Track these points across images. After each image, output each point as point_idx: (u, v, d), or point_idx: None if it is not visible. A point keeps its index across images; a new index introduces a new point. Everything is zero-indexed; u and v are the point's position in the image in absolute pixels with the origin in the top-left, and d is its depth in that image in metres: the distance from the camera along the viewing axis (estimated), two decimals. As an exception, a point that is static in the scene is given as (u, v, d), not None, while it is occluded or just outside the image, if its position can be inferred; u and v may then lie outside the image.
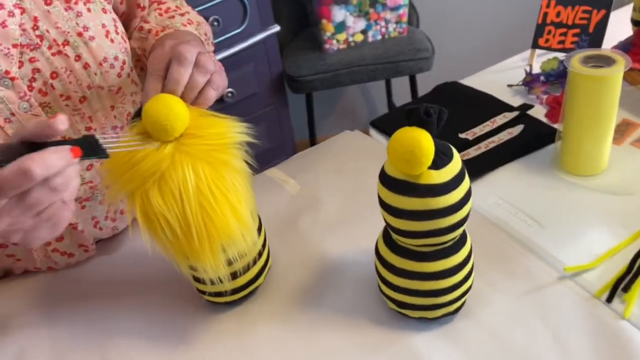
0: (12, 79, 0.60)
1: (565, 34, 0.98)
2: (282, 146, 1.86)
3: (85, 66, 0.65)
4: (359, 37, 1.84)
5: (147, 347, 0.64)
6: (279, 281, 0.70)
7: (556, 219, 0.72)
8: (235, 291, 0.65)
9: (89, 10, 0.66)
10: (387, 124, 0.93)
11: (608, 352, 0.57)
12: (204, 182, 0.55)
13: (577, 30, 0.97)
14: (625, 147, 0.81)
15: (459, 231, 0.56)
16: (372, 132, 0.94)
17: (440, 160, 0.53)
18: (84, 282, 0.73)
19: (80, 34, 0.65)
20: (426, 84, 1.84)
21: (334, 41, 1.81)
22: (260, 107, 1.75)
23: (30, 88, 0.62)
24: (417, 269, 0.58)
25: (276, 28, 1.68)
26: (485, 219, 0.74)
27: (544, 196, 0.76)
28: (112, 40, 0.69)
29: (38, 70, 0.62)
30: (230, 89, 1.64)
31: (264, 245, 0.67)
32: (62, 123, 0.47)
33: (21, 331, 0.68)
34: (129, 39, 0.76)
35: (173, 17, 0.76)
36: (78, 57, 0.65)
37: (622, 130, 0.83)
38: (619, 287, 0.62)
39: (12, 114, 0.61)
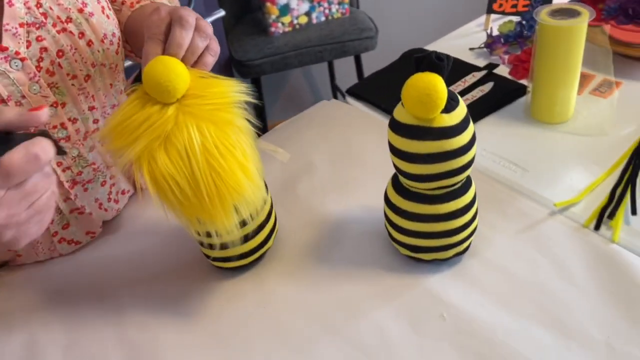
0: (22, 59, 0.58)
1: (517, -2, 1.05)
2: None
3: (89, 43, 0.64)
4: (304, 19, 1.85)
5: (164, 318, 0.63)
6: (287, 244, 0.71)
7: (537, 163, 0.77)
8: (245, 255, 0.65)
9: None
10: (363, 91, 0.96)
11: (603, 273, 0.62)
12: (210, 141, 0.54)
13: (528, -6, 1.04)
14: (586, 96, 0.88)
15: (468, 172, 0.60)
16: (350, 99, 0.96)
17: (450, 105, 0.56)
18: (89, 265, 0.71)
19: (81, 10, 0.63)
20: (370, 63, 1.89)
21: (279, 24, 1.82)
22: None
23: (39, 68, 0.60)
24: (430, 211, 0.60)
25: (221, 13, 1.66)
26: (474, 169, 0.77)
27: (523, 144, 0.81)
28: (107, 17, 0.67)
29: (45, 49, 0.60)
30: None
31: (271, 207, 0.68)
32: (45, 115, 0.45)
33: (31, 316, 0.65)
34: None
35: None
36: (82, 35, 0.63)
37: (581, 81, 0.90)
38: (604, 215, 0.68)
39: (23, 97, 0.59)
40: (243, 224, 0.61)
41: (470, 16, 1.18)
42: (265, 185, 0.66)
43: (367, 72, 1.96)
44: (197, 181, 0.54)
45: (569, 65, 0.78)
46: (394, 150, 0.59)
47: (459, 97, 0.58)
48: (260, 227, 0.65)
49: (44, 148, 0.43)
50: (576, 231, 0.68)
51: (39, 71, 0.60)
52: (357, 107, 0.95)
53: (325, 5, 1.85)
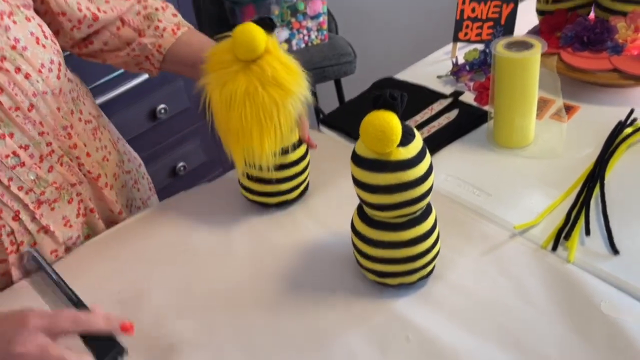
0: None
1: (481, 27, 1.10)
2: (218, 159, 1.88)
3: (27, 76, 0.68)
4: (284, 46, 1.90)
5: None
6: (258, 269, 0.73)
7: (500, 187, 0.81)
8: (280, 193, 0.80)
9: (14, 22, 0.69)
10: (335, 120, 1.00)
11: (560, 293, 0.66)
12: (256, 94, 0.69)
13: (491, 23, 1.09)
14: (546, 121, 0.92)
15: (427, 200, 0.63)
16: (323, 128, 1.00)
17: (406, 138, 0.60)
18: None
19: (13, 47, 0.67)
20: (350, 87, 1.94)
21: (260, 52, 1.86)
22: (194, 121, 1.76)
23: None
24: (394, 238, 0.64)
25: (203, 42, 1.71)
26: (439, 194, 0.81)
27: (486, 169, 0.85)
28: (43, 46, 0.72)
29: None
30: (162, 105, 1.65)
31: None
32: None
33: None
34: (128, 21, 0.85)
35: (175, 14, 0.87)
36: (18, 70, 0.67)
37: (541, 106, 0.95)
38: (560, 236, 0.72)
39: None
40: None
41: (441, 41, 1.23)
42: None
43: (348, 94, 2.01)
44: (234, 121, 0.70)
45: (525, 94, 0.82)
46: (357, 182, 0.63)
47: (415, 130, 0.62)
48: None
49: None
50: (535, 252, 0.71)
51: None
52: (330, 136, 0.98)
53: (305, 32, 1.91)
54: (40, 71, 0.70)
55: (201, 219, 0.83)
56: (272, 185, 0.79)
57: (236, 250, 0.77)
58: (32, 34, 0.71)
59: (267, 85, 0.69)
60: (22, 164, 0.70)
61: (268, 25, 0.70)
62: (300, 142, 0.79)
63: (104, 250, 0.80)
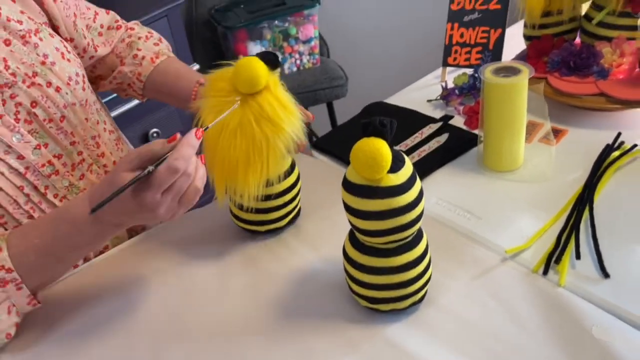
0: (1, 116, 0.67)
1: (470, 52, 1.11)
2: (209, 184, 1.88)
3: (57, 89, 0.72)
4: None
5: None
6: (251, 295, 0.73)
7: (490, 210, 0.82)
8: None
9: (41, 39, 0.73)
10: (327, 144, 1.00)
11: (551, 317, 0.66)
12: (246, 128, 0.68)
13: (479, 48, 1.11)
14: (535, 144, 0.93)
15: (418, 226, 0.63)
16: (315, 152, 1.01)
17: (396, 164, 0.60)
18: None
19: (43, 63, 0.71)
20: (342, 109, 1.96)
21: (252, 76, 1.88)
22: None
23: (17, 120, 0.69)
24: (385, 264, 0.64)
25: (195, 67, 1.73)
26: (430, 218, 0.82)
27: (476, 192, 0.86)
28: (68, 60, 0.75)
29: (20, 104, 0.69)
30: (155, 129, 1.65)
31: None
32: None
33: None
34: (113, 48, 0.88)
35: (157, 44, 0.89)
36: (49, 84, 0.71)
37: (530, 130, 0.96)
38: (551, 260, 0.72)
39: (9, 146, 0.68)
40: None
41: (431, 65, 1.24)
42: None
43: (340, 116, 2.03)
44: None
45: (513, 118, 0.83)
46: (348, 208, 0.63)
47: (405, 156, 0.62)
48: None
49: (182, 157, 0.59)
50: (526, 276, 0.71)
51: (18, 122, 0.69)
52: (322, 160, 0.99)
53: (297, 56, 1.93)
54: (68, 84, 0.74)
55: (192, 245, 0.83)
56: (260, 215, 0.79)
57: (228, 276, 0.77)
58: (57, 49, 0.75)
59: (261, 121, 0.68)
60: (57, 172, 0.74)
61: (272, 61, 0.69)
62: (290, 171, 0.79)
63: (94, 278, 0.79)
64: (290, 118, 0.70)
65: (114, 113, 1.52)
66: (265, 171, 0.70)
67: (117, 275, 0.79)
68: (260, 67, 0.67)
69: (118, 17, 0.91)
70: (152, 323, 0.71)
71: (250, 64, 0.67)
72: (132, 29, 0.90)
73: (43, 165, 0.72)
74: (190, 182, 0.61)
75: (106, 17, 0.89)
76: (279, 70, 0.71)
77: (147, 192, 0.59)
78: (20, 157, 0.70)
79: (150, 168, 0.58)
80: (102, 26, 0.87)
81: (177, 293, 0.75)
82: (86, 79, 0.80)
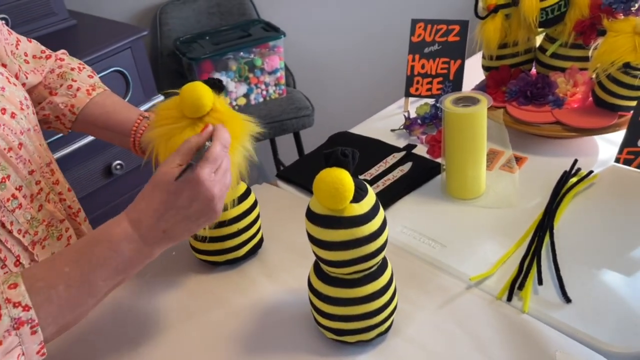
0: None
1: (431, 82, 1.14)
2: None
3: (12, 115, 0.68)
4: (242, 101, 1.92)
5: None
6: (215, 330, 0.71)
7: (454, 238, 0.82)
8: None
9: None
10: (292, 174, 1.00)
11: (516, 343, 0.66)
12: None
13: (440, 79, 1.13)
14: (496, 172, 0.95)
15: (382, 255, 0.63)
16: (280, 183, 1.00)
17: (359, 194, 0.61)
18: None
19: None
20: (309, 139, 1.97)
21: (218, 106, 1.88)
22: (150, 177, 1.74)
23: None
24: (350, 295, 0.63)
25: (160, 98, 1.71)
26: (395, 247, 0.82)
27: (440, 220, 0.86)
28: (14, 85, 0.72)
29: None
30: (118, 161, 1.62)
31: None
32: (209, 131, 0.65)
33: None
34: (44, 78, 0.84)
35: (92, 76, 0.86)
36: (4, 110, 0.68)
37: (491, 158, 0.98)
38: (514, 286, 0.73)
39: None
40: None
41: (394, 96, 1.27)
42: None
43: (307, 146, 2.04)
44: None
45: (474, 146, 0.85)
46: (312, 239, 0.62)
47: (367, 186, 0.63)
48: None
49: (225, 137, 0.63)
50: (491, 303, 0.72)
51: None
52: (286, 190, 0.99)
53: (263, 87, 1.94)
54: (22, 109, 0.71)
55: (152, 276, 0.81)
56: (216, 244, 0.77)
57: (188, 311, 0.75)
58: (1, 74, 0.71)
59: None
60: (20, 206, 0.69)
61: (216, 85, 0.70)
62: (243, 198, 0.78)
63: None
64: (239, 133, 0.70)
65: (75, 146, 1.48)
66: None
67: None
68: (205, 90, 0.68)
69: (43, 47, 0.87)
70: (107, 355, 0.69)
71: (195, 87, 0.68)
72: (61, 59, 0.86)
73: (8, 200, 0.67)
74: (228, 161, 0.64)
75: (29, 45, 0.85)
76: (223, 93, 0.72)
77: (205, 168, 0.60)
78: None
79: (208, 144, 0.62)
80: (26, 54, 0.83)
81: (133, 329, 0.73)
82: (32, 104, 0.76)
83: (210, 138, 0.63)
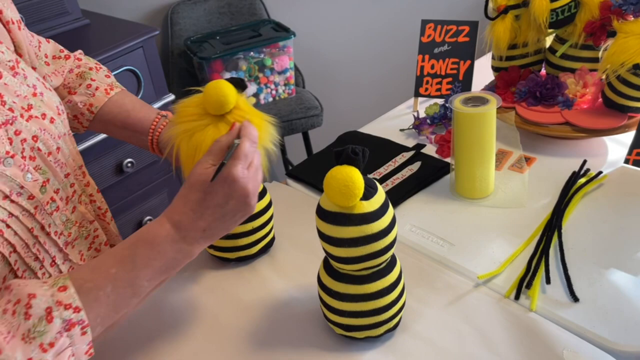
0: (12, 156, 0.63)
1: (440, 83, 1.15)
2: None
3: (52, 120, 0.69)
4: (252, 101, 1.92)
5: None
6: (226, 326, 0.72)
7: (462, 237, 0.83)
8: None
9: (23, 70, 0.70)
10: (302, 173, 1.01)
11: (523, 341, 0.67)
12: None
13: (450, 79, 1.14)
14: (505, 172, 0.96)
15: (391, 252, 0.64)
16: (289, 181, 1.01)
17: (369, 192, 0.61)
18: None
19: (34, 94, 0.69)
20: (317, 139, 1.98)
21: (228, 106, 1.89)
22: (161, 175, 1.76)
23: (24, 158, 0.65)
24: (359, 291, 0.64)
25: (171, 97, 1.73)
26: (404, 245, 0.83)
27: (449, 219, 0.87)
28: (50, 89, 0.73)
29: (24, 140, 0.65)
30: (129, 159, 1.64)
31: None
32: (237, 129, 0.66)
33: None
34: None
35: (108, 76, 0.87)
36: (44, 115, 0.68)
37: (500, 158, 0.98)
38: (522, 285, 0.73)
39: (22, 187, 0.64)
40: None
41: (403, 96, 1.27)
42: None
43: (315, 145, 2.05)
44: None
45: (483, 147, 0.85)
46: (322, 235, 0.63)
47: (377, 184, 0.63)
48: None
49: (253, 134, 0.64)
50: (498, 302, 0.72)
51: (25, 160, 0.65)
52: (296, 189, 1.00)
53: (272, 86, 1.95)
54: (59, 114, 0.72)
55: (166, 274, 0.82)
56: (230, 240, 0.79)
57: (200, 307, 0.76)
58: (38, 79, 0.72)
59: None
60: (57, 209, 0.70)
61: (239, 84, 0.71)
62: (259, 197, 0.79)
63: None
64: (262, 132, 0.71)
65: (88, 144, 1.50)
66: None
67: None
68: (228, 87, 0.69)
69: (61, 47, 0.88)
70: (120, 349, 0.70)
71: (219, 85, 0.69)
72: (79, 59, 0.88)
73: (47, 203, 0.68)
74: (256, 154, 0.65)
75: (48, 45, 0.87)
76: (246, 92, 0.73)
77: (237, 166, 0.61)
78: (30, 197, 0.65)
79: (237, 141, 0.63)
80: (46, 56, 0.84)
81: (146, 324, 0.74)
82: (65, 108, 0.78)
83: (238, 135, 0.64)
